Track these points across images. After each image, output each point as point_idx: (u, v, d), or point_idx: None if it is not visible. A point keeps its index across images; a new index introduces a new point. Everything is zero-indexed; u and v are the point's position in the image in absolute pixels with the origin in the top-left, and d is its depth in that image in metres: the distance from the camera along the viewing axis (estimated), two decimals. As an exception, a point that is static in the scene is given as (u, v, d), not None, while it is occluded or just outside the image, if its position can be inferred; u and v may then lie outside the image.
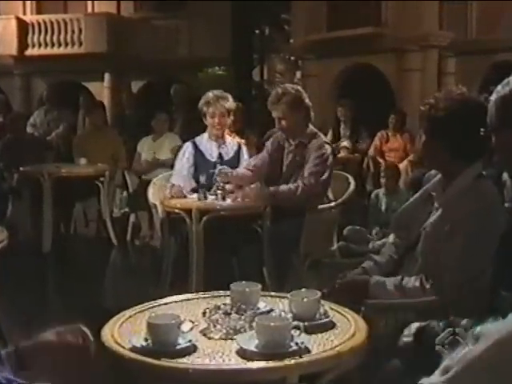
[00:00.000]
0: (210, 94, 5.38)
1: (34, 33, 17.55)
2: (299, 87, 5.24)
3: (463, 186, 2.80)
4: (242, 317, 2.37)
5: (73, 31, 17.23)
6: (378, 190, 7.05)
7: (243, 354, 2.14)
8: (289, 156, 5.13)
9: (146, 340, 2.19)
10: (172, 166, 5.78)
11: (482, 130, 2.48)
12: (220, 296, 2.70)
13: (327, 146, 5.07)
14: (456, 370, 1.41)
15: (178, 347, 2.17)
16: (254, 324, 2.25)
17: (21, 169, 7.75)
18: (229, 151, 5.47)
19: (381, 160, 9.42)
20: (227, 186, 5.07)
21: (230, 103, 5.39)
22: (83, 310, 5.24)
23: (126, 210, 8.32)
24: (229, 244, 4.92)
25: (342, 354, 2.18)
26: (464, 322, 2.28)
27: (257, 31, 19.93)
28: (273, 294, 2.78)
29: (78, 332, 1.83)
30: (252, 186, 5.27)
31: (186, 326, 2.31)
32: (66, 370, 1.78)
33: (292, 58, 18.84)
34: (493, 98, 2.11)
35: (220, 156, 5.41)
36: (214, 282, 4.17)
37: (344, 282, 2.92)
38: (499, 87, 2.11)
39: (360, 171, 9.49)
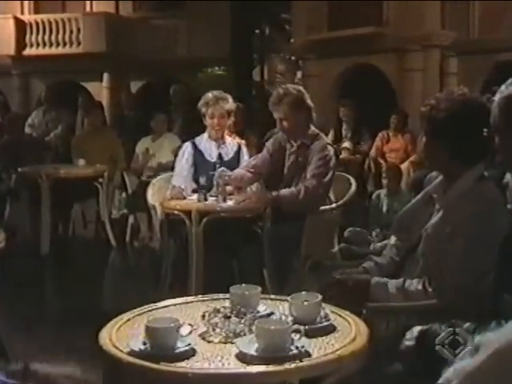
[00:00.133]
0: (210, 95, 5.37)
1: (32, 32, 17.54)
2: (301, 88, 5.22)
3: (464, 188, 2.79)
4: (242, 320, 2.36)
5: (71, 31, 17.21)
6: (380, 190, 7.05)
7: (243, 357, 2.13)
8: (291, 157, 5.12)
9: (145, 344, 2.18)
10: (172, 168, 5.77)
11: (485, 130, 2.47)
12: (219, 299, 2.69)
13: (330, 148, 5.06)
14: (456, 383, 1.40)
15: (177, 351, 2.16)
16: (253, 327, 2.24)
17: (19, 170, 7.75)
18: (228, 152, 5.46)
19: (382, 161, 9.43)
20: (227, 188, 5.06)
21: (230, 104, 5.38)
22: (82, 313, 5.26)
23: (125, 211, 8.31)
24: (229, 246, 4.92)
25: (342, 357, 2.17)
26: (466, 325, 2.27)
27: (257, 31, 19.95)
28: (273, 296, 2.77)
29: None
30: (253, 187, 5.27)
31: (184, 330, 2.30)
32: None
33: (292, 57, 18.84)
34: (496, 98, 2.10)
35: (220, 156, 5.40)
36: (214, 284, 4.16)
37: (345, 280, 2.90)
38: (503, 87, 2.11)
39: (361, 172, 9.49)
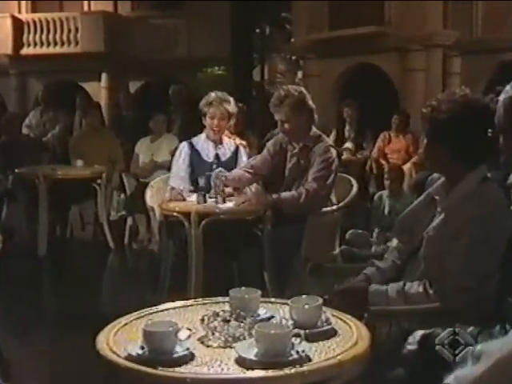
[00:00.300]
0: (213, 95, 5.36)
1: (29, 32, 17.52)
2: (302, 89, 5.20)
3: (467, 190, 2.78)
4: (242, 324, 2.35)
5: (69, 30, 17.18)
6: (381, 192, 7.04)
7: (242, 362, 2.13)
8: (292, 159, 5.10)
9: (143, 348, 2.17)
10: (169, 169, 5.76)
11: (489, 131, 2.46)
12: (219, 302, 2.68)
13: (332, 150, 5.05)
14: None
15: (175, 355, 2.15)
16: (253, 331, 2.23)
17: (16, 171, 7.75)
18: (226, 152, 5.45)
19: (384, 162, 9.43)
20: (227, 190, 5.05)
21: (232, 106, 5.37)
22: (79, 316, 5.25)
23: (124, 212, 8.30)
24: (228, 248, 4.91)
25: (343, 362, 2.16)
26: (470, 329, 2.26)
27: (257, 30, 19.92)
28: (273, 300, 2.77)
29: None
30: (252, 188, 5.26)
31: (183, 334, 2.29)
32: None
33: (293, 57, 18.82)
34: (501, 98, 2.10)
35: (217, 156, 5.39)
36: (214, 287, 4.17)
37: (341, 291, 2.89)
38: (508, 87, 2.10)
39: (363, 173, 9.49)
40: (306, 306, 2.40)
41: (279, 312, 2.56)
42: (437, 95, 2.93)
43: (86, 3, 18.00)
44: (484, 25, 12.07)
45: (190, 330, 2.37)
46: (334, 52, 13.06)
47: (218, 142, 5.43)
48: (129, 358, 2.16)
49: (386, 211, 6.68)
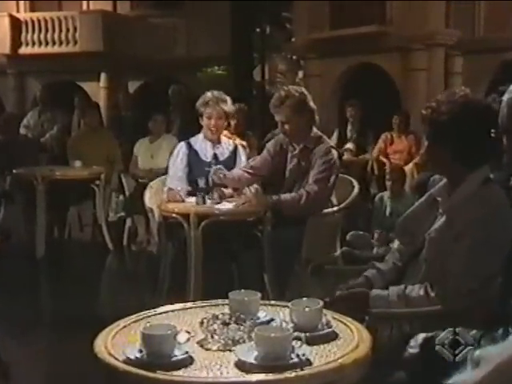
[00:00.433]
0: (210, 95, 5.35)
1: (27, 31, 17.52)
2: (303, 89, 5.19)
3: (469, 191, 2.77)
4: (241, 327, 2.34)
5: (67, 29, 17.19)
6: (383, 193, 7.03)
7: (242, 366, 2.12)
8: (293, 160, 5.09)
9: (141, 351, 2.16)
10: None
11: (492, 131, 2.45)
12: (218, 305, 2.67)
13: (333, 151, 5.04)
14: None
15: (174, 359, 2.14)
16: (253, 335, 2.22)
17: (14, 171, 7.74)
18: (224, 152, 5.43)
19: (385, 162, 9.42)
20: (226, 191, 5.05)
21: (229, 106, 5.36)
22: (77, 318, 5.25)
23: (122, 214, 8.29)
24: (228, 250, 4.90)
25: (344, 366, 2.15)
26: (472, 332, 2.25)
27: (257, 29, 19.90)
28: (273, 302, 2.75)
29: None
30: (252, 188, 5.25)
31: (182, 337, 2.28)
32: None
33: (294, 57, 18.80)
34: (505, 98, 2.09)
35: (215, 156, 5.37)
36: (213, 289, 4.16)
37: (342, 297, 2.87)
38: (511, 87, 2.09)
39: (364, 174, 9.48)
40: (307, 309, 2.39)
41: (279, 315, 2.56)
42: (436, 97, 2.91)
43: (84, 2, 18.04)
44: (486, 24, 12.09)
45: (189, 332, 2.36)
46: (335, 51, 13.07)
47: (215, 142, 5.42)
48: (127, 361, 2.15)
49: (388, 212, 6.68)
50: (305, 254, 4.90)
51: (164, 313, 2.65)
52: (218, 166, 5.09)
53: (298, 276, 4.87)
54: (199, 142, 5.43)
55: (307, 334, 2.30)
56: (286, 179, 5.10)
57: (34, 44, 17.53)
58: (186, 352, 2.17)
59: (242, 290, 2.54)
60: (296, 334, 2.27)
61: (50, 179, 7.41)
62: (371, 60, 12.81)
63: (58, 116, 10.57)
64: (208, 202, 4.94)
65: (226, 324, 2.37)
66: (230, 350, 2.24)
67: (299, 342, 2.24)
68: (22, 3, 18.30)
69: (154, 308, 2.69)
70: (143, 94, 16.15)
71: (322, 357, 2.20)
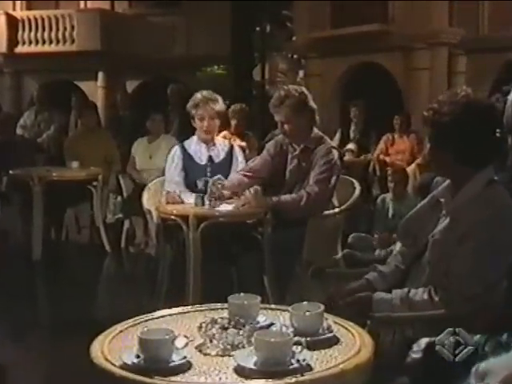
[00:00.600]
0: (199, 96, 5.32)
1: (24, 29, 17.51)
2: (303, 89, 5.18)
3: (473, 193, 2.76)
4: (240, 331, 2.33)
5: (65, 28, 17.18)
6: (385, 194, 7.02)
7: (241, 371, 2.11)
8: (293, 161, 5.08)
9: (138, 357, 2.16)
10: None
11: (497, 131, 2.44)
12: (217, 309, 2.66)
13: (334, 152, 5.02)
14: None
15: (172, 364, 2.13)
16: (252, 339, 2.21)
17: (10, 172, 7.75)
18: (219, 153, 5.39)
19: (387, 162, 9.43)
20: (225, 192, 5.03)
21: (221, 105, 5.32)
22: (74, 322, 5.24)
23: (120, 215, 8.29)
24: (228, 252, 4.89)
25: (346, 371, 2.14)
26: (477, 337, 2.24)
27: (257, 28, 19.90)
28: (273, 306, 2.74)
29: None
30: (251, 190, 5.23)
31: (180, 342, 2.27)
32: None
33: (294, 56, 18.82)
34: (510, 97, 2.08)
35: (210, 159, 5.33)
36: (212, 292, 4.16)
37: (345, 303, 2.86)
38: (516, 86, 2.08)
39: (365, 175, 9.48)
40: (307, 313, 2.38)
41: (279, 319, 2.55)
42: (437, 98, 2.90)
43: (82, 1, 18.01)
44: (490, 23, 12.08)
45: (187, 337, 2.35)
46: (336, 51, 13.08)
47: (210, 144, 5.37)
48: (124, 366, 2.14)
49: (390, 214, 6.66)
50: (305, 257, 4.89)
51: (162, 317, 2.64)
52: (217, 177, 5.00)
53: (298, 279, 4.85)
54: (193, 144, 5.39)
55: (308, 339, 2.29)
56: (287, 180, 5.08)
57: (30, 43, 17.52)
58: (184, 357, 2.16)
59: (242, 294, 2.53)
60: (296, 338, 2.26)
61: (46, 180, 7.41)
62: (373, 59, 12.81)
63: (55, 116, 10.57)
64: (207, 203, 4.91)
65: (225, 328, 2.36)
66: (229, 355, 2.23)
67: (300, 347, 2.22)
68: (18, 2, 18.30)
69: (152, 311, 2.68)
70: (142, 94, 16.14)
71: (322, 362, 2.19)
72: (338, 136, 10.10)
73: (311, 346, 2.27)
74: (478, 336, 2.25)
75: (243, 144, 7.93)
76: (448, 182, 2.92)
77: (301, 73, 18.42)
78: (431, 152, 2.87)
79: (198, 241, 4.74)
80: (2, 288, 5.99)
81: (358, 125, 10.26)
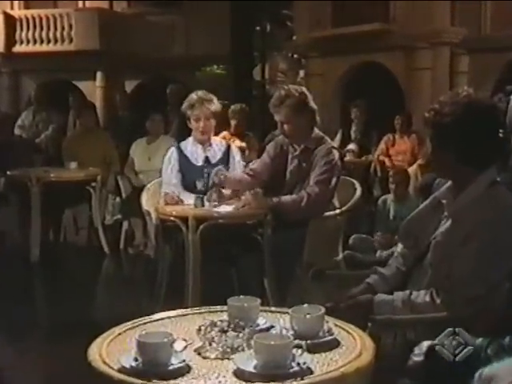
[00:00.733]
0: (194, 96, 5.33)
1: (22, 29, 17.50)
2: (304, 89, 5.17)
3: (475, 194, 2.76)
4: (240, 334, 2.33)
5: (63, 27, 17.16)
6: (386, 195, 7.02)
7: (241, 374, 2.10)
8: (293, 162, 5.07)
9: (136, 360, 2.15)
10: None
11: (500, 131, 2.44)
12: (217, 311, 2.66)
13: (335, 152, 5.02)
14: None
15: (171, 367, 2.13)
16: (252, 342, 2.21)
17: (8, 173, 7.75)
18: (216, 154, 5.38)
19: (388, 164, 9.42)
20: (225, 192, 5.03)
21: (216, 105, 5.33)
22: (73, 324, 5.24)
23: (119, 216, 8.29)
24: (227, 254, 4.89)
25: (346, 375, 2.13)
26: (479, 340, 2.24)
27: (257, 28, 19.91)
28: (273, 309, 2.74)
29: None
30: (252, 191, 5.23)
31: (179, 345, 2.27)
32: None
33: (295, 55, 18.82)
34: (513, 97, 2.08)
35: (207, 159, 5.33)
36: (212, 294, 4.15)
37: (346, 307, 2.85)
38: (519, 86, 2.08)
39: (366, 176, 9.48)
40: (308, 316, 2.38)
41: (279, 322, 2.54)
42: (438, 98, 2.89)
43: (80, 3, 18.01)
44: (493, 22, 12.06)
45: (186, 340, 2.35)
46: (337, 50, 13.07)
47: (206, 144, 5.37)
48: (122, 369, 2.13)
49: (391, 216, 6.66)
50: (306, 258, 4.88)
51: (160, 319, 2.63)
52: (219, 167, 5.06)
53: (299, 281, 4.85)
54: (190, 145, 5.39)
55: (308, 342, 2.29)
56: (287, 181, 5.08)
57: (28, 42, 17.51)
58: (183, 360, 2.15)
59: (242, 296, 2.53)
60: (296, 341, 2.26)
61: (44, 181, 7.41)
62: (374, 59, 12.80)
63: (53, 116, 10.57)
64: (206, 204, 4.91)
65: (224, 331, 2.36)
66: (228, 359, 2.22)
67: (300, 350, 2.22)
68: (16, 1, 18.29)
69: (151, 313, 2.67)
70: (140, 94, 16.15)
71: (323, 365, 2.19)
72: (338, 136, 10.10)
73: (311, 349, 2.27)
74: (481, 339, 2.24)
75: (243, 145, 7.94)
76: (450, 183, 2.92)
77: (301, 72, 18.42)
78: (433, 153, 2.87)
79: (197, 242, 4.73)
80: (0, 289, 5.99)
81: (359, 125, 10.26)
